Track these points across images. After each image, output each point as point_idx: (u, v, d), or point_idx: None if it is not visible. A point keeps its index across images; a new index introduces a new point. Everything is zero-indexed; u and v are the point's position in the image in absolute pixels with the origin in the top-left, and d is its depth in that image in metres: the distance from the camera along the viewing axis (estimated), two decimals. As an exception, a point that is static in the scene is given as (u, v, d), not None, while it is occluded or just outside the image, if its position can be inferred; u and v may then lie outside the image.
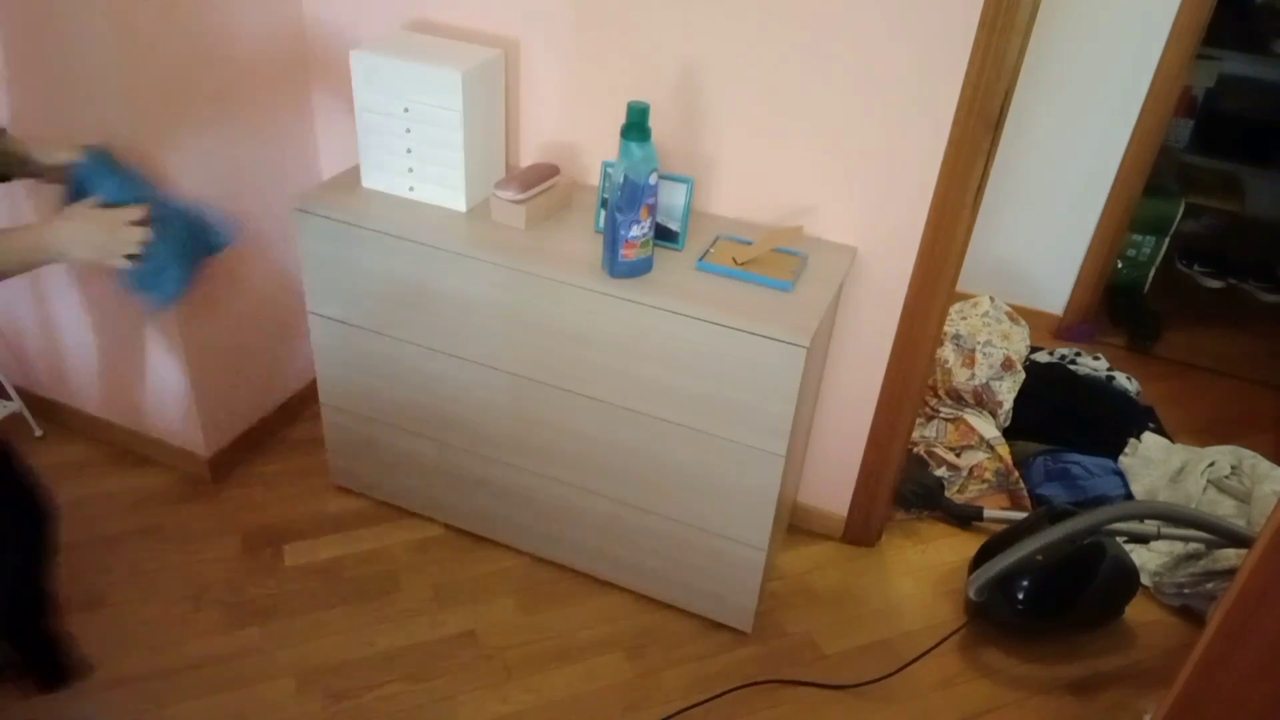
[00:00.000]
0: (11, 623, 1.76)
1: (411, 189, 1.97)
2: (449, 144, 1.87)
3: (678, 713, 1.93)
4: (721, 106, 1.92)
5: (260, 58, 2.12)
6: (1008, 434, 2.66)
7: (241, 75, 2.09)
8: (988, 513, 2.44)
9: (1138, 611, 2.22)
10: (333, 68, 2.24)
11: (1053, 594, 2.07)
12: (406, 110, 1.86)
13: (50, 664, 1.86)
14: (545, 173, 1.93)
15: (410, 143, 1.90)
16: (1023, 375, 2.71)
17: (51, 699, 1.85)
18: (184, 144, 1.99)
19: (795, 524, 2.40)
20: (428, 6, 2.05)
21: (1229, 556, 2.18)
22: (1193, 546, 2.27)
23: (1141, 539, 2.23)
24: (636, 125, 1.64)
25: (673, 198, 1.86)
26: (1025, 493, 2.52)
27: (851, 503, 2.30)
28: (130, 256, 1.40)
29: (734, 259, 1.83)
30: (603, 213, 1.85)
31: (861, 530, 2.34)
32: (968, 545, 2.36)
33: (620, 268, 1.75)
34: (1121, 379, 2.91)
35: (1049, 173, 3.08)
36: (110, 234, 1.36)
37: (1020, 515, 2.41)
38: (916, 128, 1.80)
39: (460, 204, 1.94)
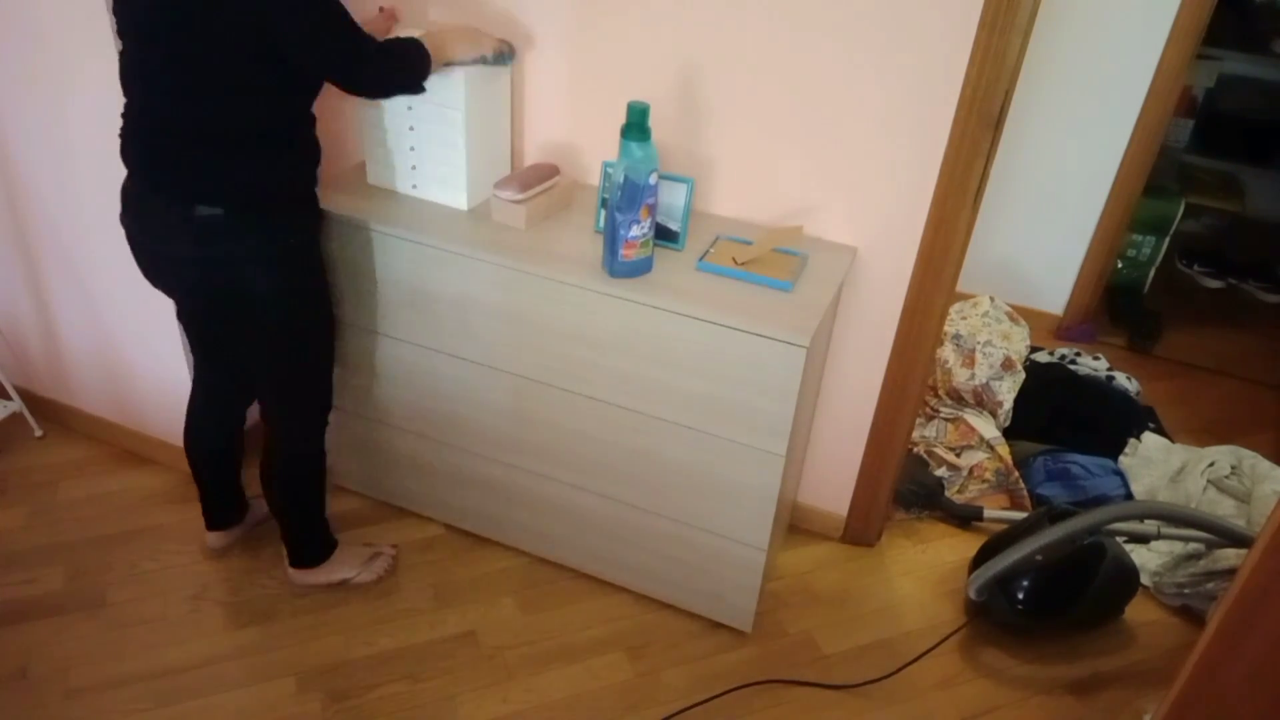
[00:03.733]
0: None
1: (415, 186, 1.97)
2: (451, 143, 1.88)
3: (678, 713, 1.93)
4: (721, 106, 1.92)
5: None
6: (1008, 434, 2.66)
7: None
8: (988, 513, 2.44)
9: (1138, 611, 2.22)
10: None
11: (1053, 594, 2.07)
12: (410, 109, 1.87)
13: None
14: (545, 173, 1.94)
15: (414, 141, 1.90)
16: (1023, 375, 2.71)
17: (52, 699, 1.86)
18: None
19: (795, 524, 2.40)
20: (432, 7, 2.05)
21: (1229, 556, 2.18)
22: (1193, 546, 2.27)
23: (1141, 539, 2.23)
24: (636, 125, 1.64)
25: (673, 198, 1.86)
26: (1025, 493, 2.52)
27: (851, 503, 2.30)
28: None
29: (734, 259, 1.83)
30: (603, 213, 1.85)
31: (861, 530, 2.34)
32: (968, 545, 2.36)
33: (620, 268, 1.75)
34: (1121, 379, 2.91)
35: (1049, 173, 3.08)
36: (475, 40, 1.83)
37: (1020, 515, 2.41)
38: (917, 127, 1.80)
39: (462, 203, 1.94)
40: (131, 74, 1.61)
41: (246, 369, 1.93)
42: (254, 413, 1.99)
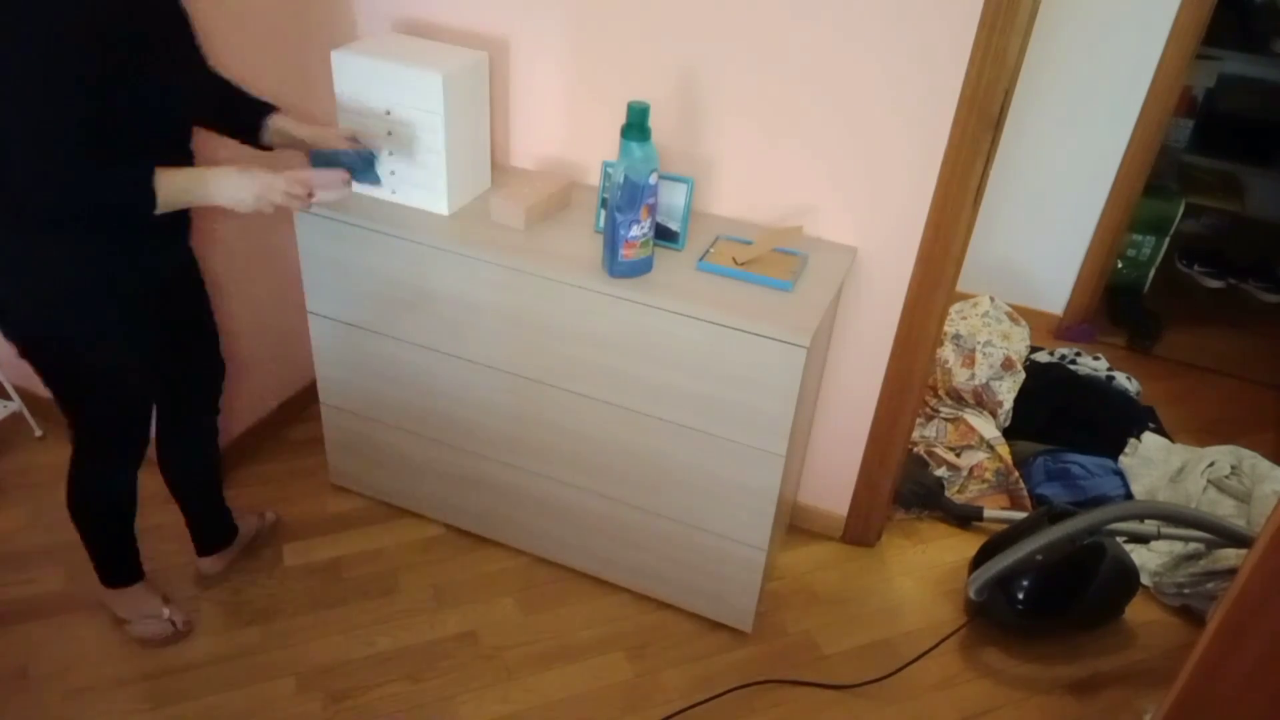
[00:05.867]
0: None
1: (394, 192, 1.95)
2: (430, 147, 1.86)
3: (678, 713, 1.93)
4: (721, 107, 1.92)
5: (266, 57, 2.12)
6: (1008, 434, 2.66)
7: (244, 69, 2.08)
8: (988, 513, 2.44)
9: (1138, 611, 2.22)
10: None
11: (1053, 594, 2.07)
12: (388, 113, 1.85)
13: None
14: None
15: (392, 144, 1.88)
16: (1023, 375, 2.71)
17: (51, 701, 1.86)
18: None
19: (795, 524, 2.40)
20: (421, 6, 2.05)
21: (1229, 556, 2.18)
22: (1193, 546, 2.27)
23: (1141, 539, 2.23)
24: (636, 125, 1.64)
25: (673, 198, 1.86)
26: (1025, 493, 2.51)
27: (851, 503, 2.30)
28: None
29: (734, 259, 1.83)
30: (603, 213, 1.85)
31: (861, 530, 2.34)
32: (968, 545, 2.36)
33: (620, 268, 1.75)
34: (1121, 379, 2.91)
35: (1049, 173, 3.08)
36: (259, 194, 1.54)
37: (1020, 515, 2.41)
38: (917, 127, 1.80)
39: (442, 208, 1.92)
40: None
41: (211, 391, 1.94)
42: (226, 428, 1.95)
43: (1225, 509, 2.44)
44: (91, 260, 1.54)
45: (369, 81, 1.83)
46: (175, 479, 2.02)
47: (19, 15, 1.29)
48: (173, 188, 1.47)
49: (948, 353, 2.71)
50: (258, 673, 1.95)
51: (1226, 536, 2.07)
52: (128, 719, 1.84)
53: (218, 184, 1.52)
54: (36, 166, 1.37)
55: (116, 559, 1.95)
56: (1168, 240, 3.40)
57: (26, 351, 1.63)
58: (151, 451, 1.88)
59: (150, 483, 2.38)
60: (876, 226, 1.93)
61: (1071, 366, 2.95)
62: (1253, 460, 2.58)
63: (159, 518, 2.27)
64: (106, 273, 1.56)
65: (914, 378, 2.07)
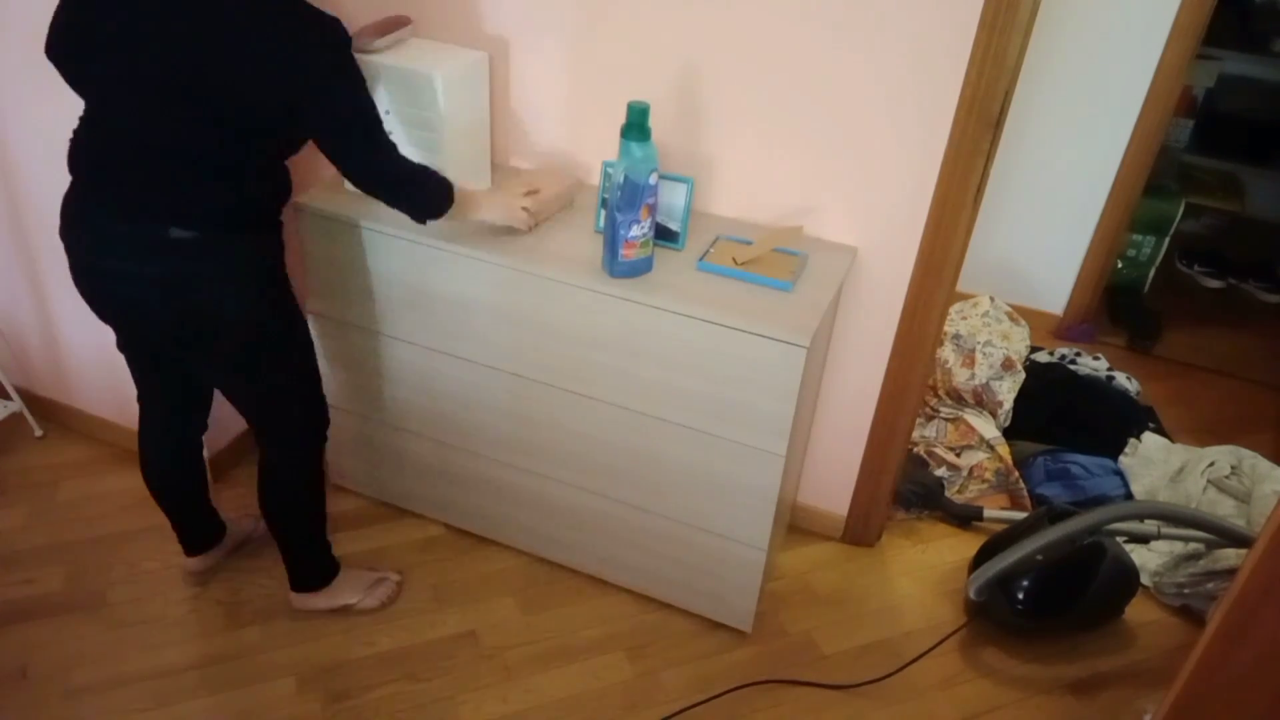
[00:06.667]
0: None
1: None
2: (430, 146, 1.86)
3: (678, 713, 1.93)
4: (721, 106, 1.92)
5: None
6: (1008, 434, 2.66)
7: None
8: (988, 513, 2.44)
9: (1138, 611, 2.22)
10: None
11: (1053, 594, 2.07)
12: (388, 112, 1.84)
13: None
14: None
15: None
16: (1023, 375, 2.71)
17: (52, 699, 1.86)
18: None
19: (795, 524, 2.40)
20: (425, 6, 2.05)
21: (1229, 556, 2.18)
22: (1193, 546, 2.27)
23: (1141, 539, 2.23)
24: (636, 125, 1.64)
25: (673, 198, 1.86)
26: (1025, 493, 2.51)
27: (851, 503, 2.30)
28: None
29: (734, 259, 1.83)
30: (603, 213, 1.85)
31: (861, 530, 2.34)
32: (968, 545, 2.36)
33: (620, 268, 1.75)
34: (1121, 379, 2.91)
35: (1049, 173, 3.07)
36: (507, 208, 1.83)
37: (1020, 515, 2.41)
38: (916, 127, 1.80)
39: None
40: (106, 87, 1.51)
41: (201, 393, 1.91)
42: (227, 427, 1.97)
43: (1225, 509, 2.44)
44: (279, 251, 1.72)
45: (369, 81, 1.83)
46: (164, 479, 1.98)
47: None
48: (460, 198, 1.73)
49: (948, 353, 2.71)
50: (258, 673, 1.95)
51: (1226, 536, 2.07)
52: (128, 719, 1.84)
53: (489, 206, 1.80)
54: (382, 142, 1.63)
55: (324, 554, 2.03)
56: (1168, 240, 3.40)
57: (251, 356, 1.71)
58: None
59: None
60: (876, 226, 1.93)
61: (1071, 366, 2.95)
62: (1253, 460, 2.58)
63: (160, 517, 2.27)
64: (283, 261, 1.74)
65: (914, 378, 2.07)
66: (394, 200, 1.69)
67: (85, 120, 1.57)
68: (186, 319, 1.62)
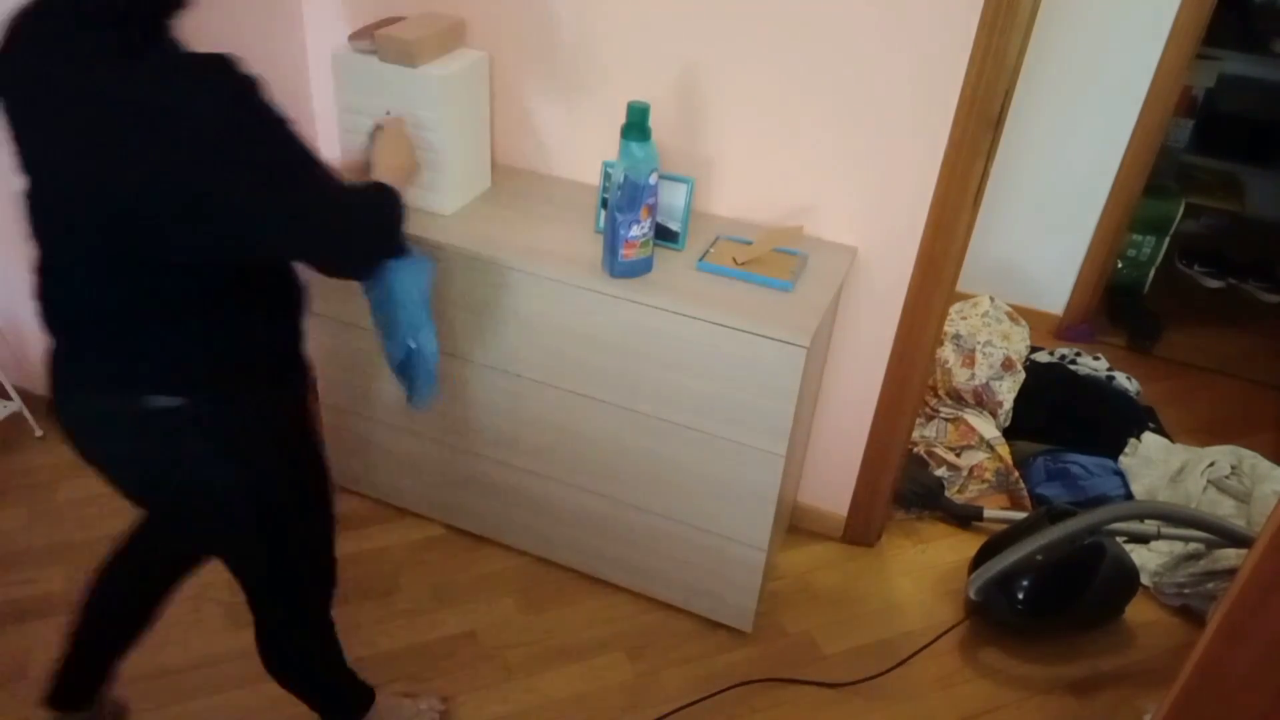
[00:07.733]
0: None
1: None
2: (430, 146, 1.85)
3: (677, 711, 1.93)
4: (721, 106, 1.92)
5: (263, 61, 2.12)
6: (1008, 434, 2.66)
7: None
8: (988, 513, 2.44)
9: (1138, 611, 2.22)
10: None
11: (1053, 594, 2.07)
12: (388, 112, 1.84)
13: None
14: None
15: None
16: (1023, 375, 2.71)
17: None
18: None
19: (795, 524, 2.40)
20: (425, 6, 2.05)
21: (1229, 556, 2.18)
22: (1193, 546, 2.27)
23: (1141, 539, 2.22)
24: (636, 125, 1.64)
25: (673, 198, 1.86)
26: (1025, 493, 2.52)
27: (851, 503, 2.30)
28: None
29: (734, 259, 1.83)
30: (603, 213, 1.85)
31: (861, 530, 2.34)
32: (968, 545, 2.36)
33: (620, 268, 1.75)
34: (1121, 379, 2.91)
35: (1049, 173, 3.07)
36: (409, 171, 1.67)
37: (1020, 515, 2.41)
38: (917, 127, 1.80)
39: (444, 207, 1.92)
40: (38, 221, 1.22)
41: (191, 555, 1.67)
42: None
43: (1225, 509, 2.44)
44: (304, 383, 1.39)
45: (369, 81, 1.83)
46: (107, 594, 1.67)
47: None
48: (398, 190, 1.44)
49: (948, 353, 2.71)
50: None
51: (1226, 536, 2.07)
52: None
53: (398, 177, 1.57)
54: (339, 226, 1.28)
55: (351, 688, 1.72)
56: (1168, 240, 3.40)
57: (258, 530, 1.40)
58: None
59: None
60: (876, 226, 1.93)
61: (1071, 366, 2.95)
62: (1253, 460, 2.58)
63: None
64: (305, 397, 1.40)
65: (914, 377, 2.07)
66: (373, 263, 1.43)
67: (34, 261, 1.29)
68: (174, 498, 1.36)
